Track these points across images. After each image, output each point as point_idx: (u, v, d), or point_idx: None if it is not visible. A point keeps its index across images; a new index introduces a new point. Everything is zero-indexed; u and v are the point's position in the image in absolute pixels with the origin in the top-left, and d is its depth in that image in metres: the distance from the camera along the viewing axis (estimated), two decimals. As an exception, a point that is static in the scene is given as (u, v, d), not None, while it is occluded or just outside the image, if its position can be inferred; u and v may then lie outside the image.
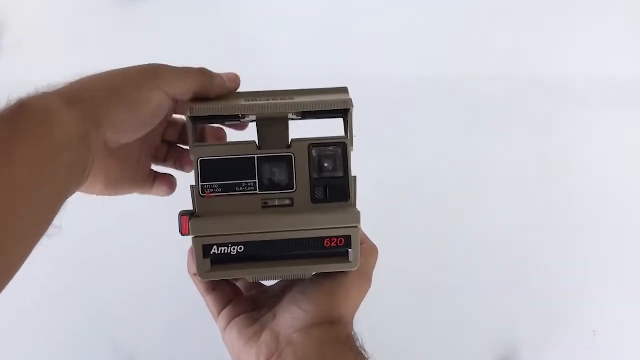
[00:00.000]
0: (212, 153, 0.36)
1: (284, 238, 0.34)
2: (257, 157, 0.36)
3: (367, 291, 0.39)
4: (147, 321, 0.88)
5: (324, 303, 0.36)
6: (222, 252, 0.34)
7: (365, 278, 0.38)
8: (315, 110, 0.36)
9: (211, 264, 0.35)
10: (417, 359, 0.89)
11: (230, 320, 0.39)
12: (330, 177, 0.36)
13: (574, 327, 0.89)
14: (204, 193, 0.36)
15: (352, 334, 0.37)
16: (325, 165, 0.36)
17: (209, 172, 0.36)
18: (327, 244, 0.35)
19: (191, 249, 0.37)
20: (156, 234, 0.91)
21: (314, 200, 0.36)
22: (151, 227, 0.92)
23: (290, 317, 0.36)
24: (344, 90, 0.38)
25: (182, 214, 0.36)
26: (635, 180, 0.98)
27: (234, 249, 0.34)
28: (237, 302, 0.40)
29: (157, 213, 0.93)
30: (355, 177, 0.37)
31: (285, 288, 0.40)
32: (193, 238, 0.34)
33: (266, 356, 0.35)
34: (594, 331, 0.89)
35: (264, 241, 0.34)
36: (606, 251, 0.93)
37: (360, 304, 0.39)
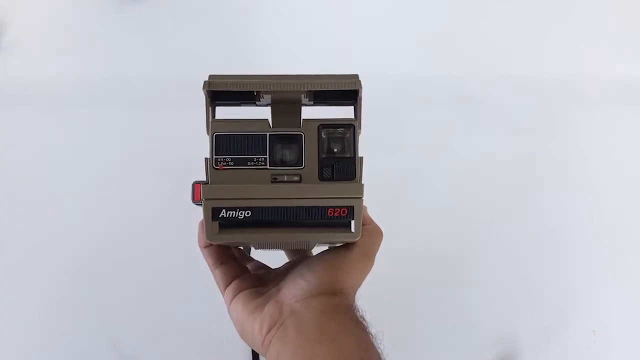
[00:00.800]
0: (226, 128, 0.38)
1: (289, 205, 0.36)
2: (269, 135, 0.38)
3: (369, 270, 0.40)
4: (148, 321, 0.88)
5: (327, 275, 0.38)
6: (230, 215, 0.36)
7: (369, 257, 0.40)
8: (325, 89, 0.38)
9: (219, 227, 0.36)
10: None
11: (236, 294, 0.40)
12: (338, 157, 0.38)
13: (574, 327, 0.89)
14: (217, 165, 0.37)
15: (353, 304, 0.39)
16: (334, 145, 0.38)
17: (222, 146, 0.38)
18: (331, 213, 0.36)
19: (201, 221, 0.38)
20: (157, 234, 0.91)
21: (322, 178, 0.38)
22: (152, 227, 0.92)
23: (294, 289, 0.38)
24: (354, 77, 0.39)
25: (195, 183, 0.39)
26: (635, 180, 0.98)
27: (241, 213, 0.36)
28: (244, 277, 0.42)
29: (158, 212, 0.93)
30: (362, 158, 0.38)
31: (290, 268, 0.42)
32: (204, 200, 0.36)
33: (269, 325, 0.37)
34: (594, 331, 0.89)
35: (271, 207, 0.36)
36: (606, 251, 0.93)
37: (362, 281, 0.41)
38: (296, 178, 0.38)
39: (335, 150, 0.38)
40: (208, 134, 0.38)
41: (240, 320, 0.39)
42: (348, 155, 0.38)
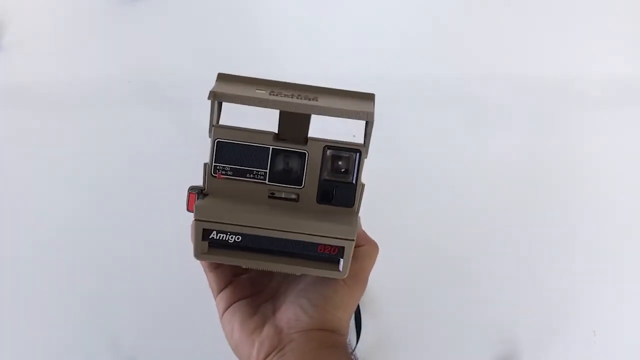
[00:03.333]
0: (230, 136, 0.37)
1: (280, 237, 0.35)
2: (272, 148, 0.37)
3: (362, 294, 0.40)
4: (148, 321, 0.88)
5: (326, 313, 0.38)
6: (221, 238, 0.35)
7: (362, 283, 0.39)
8: (334, 116, 0.36)
9: (208, 246, 0.36)
10: None
11: (229, 303, 0.40)
12: (339, 180, 0.37)
13: (574, 327, 0.89)
14: (215, 173, 0.37)
15: (347, 341, 0.39)
16: (337, 168, 0.37)
17: (223, 154, 0.37)
18: (321, 250, 0.35)
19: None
20: (158, 235, 0.91)
21: (320, 200, 0.37)
22: (153, 227, 0.92)
23: (293, 317, 0.38)
24: (371, 97, 0.38)
25: (191, 190, 0.37)
26: (635, 180, 0.98)
27: (232, 237, 0.35)
28: (237, 283, 0.41)
29: (158, 212, 0.93)
30: (363, 185, 0.37)
31: (283, 281, 0.42)
32: (194, 220, 0.35)
33: (267, 352, 0.37)
34: (594, 331, 0.89)
35: (261, 236, 0.35)
36: (606, 251, 0.93)
37: (355, 307, 0.40)
38: (294, 196, 0.37)
39: (339, 172, 0.37)
40: (210, 137, 0.37)
41: (235, 337, 0.39)
42: (350, 181, 0.37)
